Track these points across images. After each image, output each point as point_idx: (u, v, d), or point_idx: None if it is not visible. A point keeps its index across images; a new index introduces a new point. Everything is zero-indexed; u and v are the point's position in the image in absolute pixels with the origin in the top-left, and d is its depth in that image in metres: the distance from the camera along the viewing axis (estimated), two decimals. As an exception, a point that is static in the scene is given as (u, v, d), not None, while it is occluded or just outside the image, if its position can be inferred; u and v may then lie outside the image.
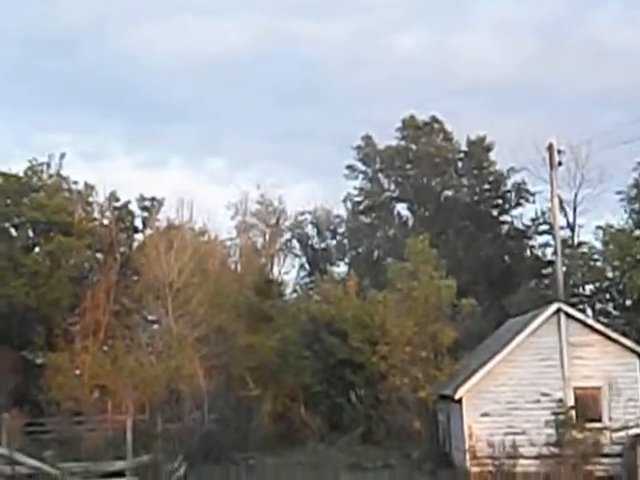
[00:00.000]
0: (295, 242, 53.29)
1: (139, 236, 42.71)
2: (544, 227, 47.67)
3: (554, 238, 29.81)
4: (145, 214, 42.67)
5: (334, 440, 30.41)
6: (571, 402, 22.53)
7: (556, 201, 28.55)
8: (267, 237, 50.37)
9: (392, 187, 52.81)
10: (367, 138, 52.61)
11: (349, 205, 53.46)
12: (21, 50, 76.62)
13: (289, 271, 51.33)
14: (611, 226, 39.01)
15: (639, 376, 22.69)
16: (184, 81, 78.20)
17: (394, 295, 28.80)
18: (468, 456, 22.32)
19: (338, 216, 54.13)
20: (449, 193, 51.49)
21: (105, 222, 41.51)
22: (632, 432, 22.03)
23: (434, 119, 51.56)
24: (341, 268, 51.91)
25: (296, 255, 53.10)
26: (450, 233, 48.51)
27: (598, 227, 40.04)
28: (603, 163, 42.89)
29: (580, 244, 43.28)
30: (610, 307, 39.92)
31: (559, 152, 28.06)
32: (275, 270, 49.18)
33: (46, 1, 74.65)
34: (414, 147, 51.64)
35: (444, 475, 23.86)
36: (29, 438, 27.81)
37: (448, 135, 51.82)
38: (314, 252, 53.18)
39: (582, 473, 21.64)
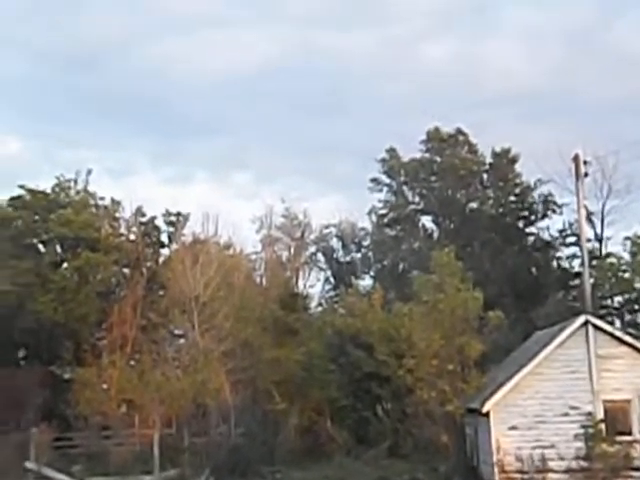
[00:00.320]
0: (320, 255, 53.29)
1: (165, 251, 43.20)
2: (571, 239, 47.28)
3: (581, 249, 29.50)
4: (171, 229, 43.03)
5: (360, 454, 30.30)
6: (600, 415, 22.27)
7: (583, 212, 28.27)
8: (292, 250, 50.46)
9: (417, 199, 52.62)
10: (391, 151, 52.51)
11: (374, 218, 53.33)
12: (48, 66, 77.59)
13: (314, 284, 51.39)
14: (639, 237, 38.68)
15: (670, 389, 22.38)
16: (209, 95, 78.87)
17: (420, 308, 28.61)
18: (496, 469, 22.14)
19: (363, 229, 54.07)
20: (474, 205, 51.22)
21: (132, 237, 41.94)
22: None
23: (459, 131, 51.43)
24: (366, 281, 51.67)
25: (321, 268, 53.14)
26: (475, 245, 48.22)
27: (626, 238, 39.89)
28: (631, 174, 42.63)
29: (608, 255, 42.88)
30: (639, 318, 39.50)
31: (585, 163, 27.77)
32: (300, 283, 49.27)
33: (73, 18, 75.48)
34: (439, 159, 51.45)
35: (472, 489, 23.76)
36: (57, 453, 28.07)
37: (473, 147, 51.62)
38: (339, 265, 53.11)
39: (612, 487, 21.44)
